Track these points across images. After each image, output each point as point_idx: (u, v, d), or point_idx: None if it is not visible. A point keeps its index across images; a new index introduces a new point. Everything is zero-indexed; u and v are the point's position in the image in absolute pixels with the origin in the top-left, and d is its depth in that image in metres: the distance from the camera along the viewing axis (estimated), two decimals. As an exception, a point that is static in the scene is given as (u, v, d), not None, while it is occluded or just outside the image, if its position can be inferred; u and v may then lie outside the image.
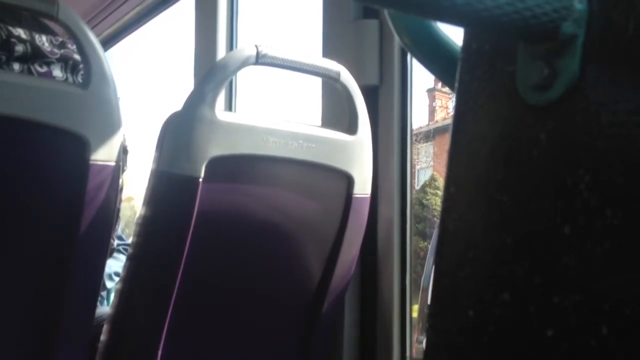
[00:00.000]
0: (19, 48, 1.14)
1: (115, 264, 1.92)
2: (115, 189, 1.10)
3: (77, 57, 1.20)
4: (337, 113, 1.48)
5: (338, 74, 1.24)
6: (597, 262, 0.45)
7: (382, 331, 1.53)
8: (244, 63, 1.13)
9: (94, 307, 1.15)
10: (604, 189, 0.45)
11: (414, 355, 1.63)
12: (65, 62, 1.21)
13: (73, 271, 1.08)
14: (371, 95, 1.52)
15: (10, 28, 1.15)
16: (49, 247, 1.08)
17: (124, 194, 1.40)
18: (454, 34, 0.63)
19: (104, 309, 1.54)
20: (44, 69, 1.17)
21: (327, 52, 1.61)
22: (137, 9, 2.70)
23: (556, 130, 0.49)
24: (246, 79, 2.27)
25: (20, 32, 1.16)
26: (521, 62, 0.51)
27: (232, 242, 1.21)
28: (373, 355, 1.54)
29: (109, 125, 1.08)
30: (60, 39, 1.22)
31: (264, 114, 1.19)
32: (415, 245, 1.77)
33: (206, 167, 1.10)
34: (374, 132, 1.34)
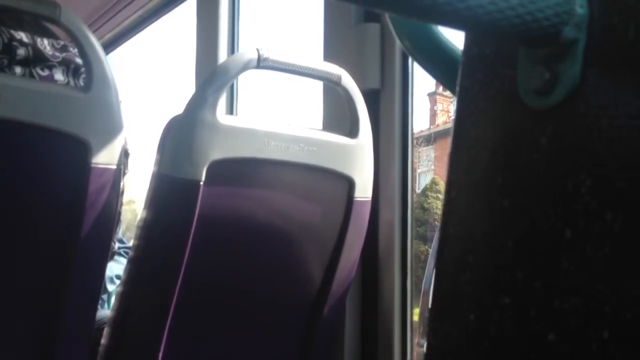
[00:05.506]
0: (21, 51, 1.14)
1: (116, 267, 1.92)
2: (116, 192, 1.10)
3: (78, 60, 1.20)
4: (338, 116, 1.48)
5: (339, 77, 1.24)
6: (598, 265, 0.45)
7: (383, 334, 1.53)
8: (245, 67, 1.13)
9: (95, 310, 1.15)
10: (604, 193, 0.45)
11: (415, 358, 1.63)
12: (67, 65, 1.21)
13: (74, 274, 1.08)
14: (372, 98, 1.52)
15: (12, 31, 1.15)
16: (50, 250, 1.08)
17: (125, 197, 1.40)
18: (456, 38, 0.64)
19: (105, 312, 1.54)
20: (46, 73, 1.18)
21: (329, 55, 1.61)
22: (139, 12, 2.70)
23: (557, 134, 0.49)
24: (247, 83, 2.27)
25: (22, 36, 1.16)
26: (522, 67, 0.51)
27: (233, 245, 1.21)
28: (374, 359, 1.54)
29: (110, 128, 1.08)
30: (62, 43, 1.23)
31: (265, 117, 1.19)
32: (416, 249, 1.77)
33: (207, 170, 1.10)
34: (375, 135, 1.34)
